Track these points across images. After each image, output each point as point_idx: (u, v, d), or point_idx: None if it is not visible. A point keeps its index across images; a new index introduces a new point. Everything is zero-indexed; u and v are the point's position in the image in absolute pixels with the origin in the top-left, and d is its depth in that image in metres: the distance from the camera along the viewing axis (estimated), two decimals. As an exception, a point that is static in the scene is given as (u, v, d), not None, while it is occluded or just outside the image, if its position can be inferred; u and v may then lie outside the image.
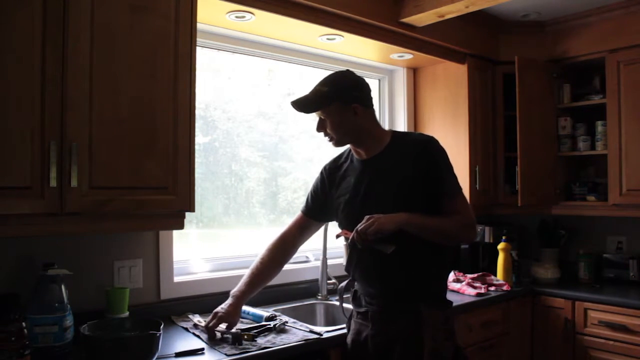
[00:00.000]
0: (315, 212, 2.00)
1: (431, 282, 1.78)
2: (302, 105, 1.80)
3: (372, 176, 1.79)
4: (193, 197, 1.81)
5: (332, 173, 1.95)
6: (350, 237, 1.68)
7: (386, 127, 3.19)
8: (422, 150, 1.74)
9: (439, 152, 1.76)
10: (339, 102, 1.75)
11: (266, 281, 2.01)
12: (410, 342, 1.70)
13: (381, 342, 1.75)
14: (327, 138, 1.83)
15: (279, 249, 2.03)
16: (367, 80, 3.17)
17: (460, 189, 1.78)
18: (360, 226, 1.64)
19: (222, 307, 1.87)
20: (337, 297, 1.96)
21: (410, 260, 1.72)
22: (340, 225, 1.88)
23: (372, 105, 1.84)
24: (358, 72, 3.09)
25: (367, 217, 1.65)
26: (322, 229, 2.58)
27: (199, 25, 1.90)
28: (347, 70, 1.89)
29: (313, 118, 1.86)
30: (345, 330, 1.94)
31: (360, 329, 1.83)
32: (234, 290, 1.93)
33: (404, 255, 1.69)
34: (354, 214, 1.76)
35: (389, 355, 1.73)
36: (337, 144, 1.84)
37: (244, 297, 1.93)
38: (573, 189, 3.12)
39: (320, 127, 1.82)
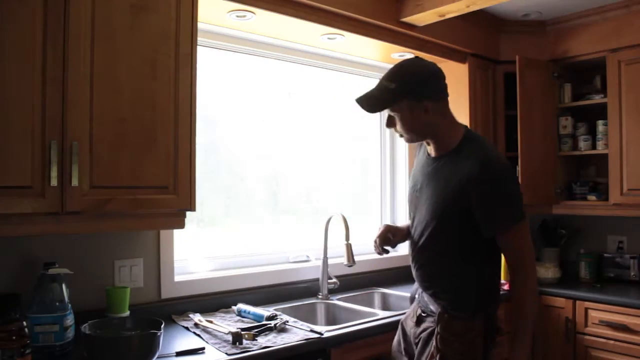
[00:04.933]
0: None
1: (459, 290, 1.67)
2: (367, 103, 1.69)
3: (429, 177, 1.73)
4: (194, 196, 1.81)
5: (418, 152, 1.90)
6: None
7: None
8: (474, 175, 1.58)
9: (491, 180, 1.58)
10: (407, 99, 1.62)
11: None
12: (426, 344, 1.69)
13: (414, 335, 1.78)
14: (399, 134, 1.74)
15: None
16: (368, 79, 3.21)
17: (514, 221, 1.60)
18: None
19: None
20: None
21: (442, 268, 1.69)
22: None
23: (444, 96, 1.68)
24: (359, 71, 3.13)
25: None
26: (323, 229, 2.58)
27: (199, 25, 1.90)
28: (416, 59, 1.72)
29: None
30: (345, 330, 1.96)
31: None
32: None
33: (437, 262, 1.69)
34: (411, 204, 1.83)
35: (415, 351, 1.76)
36: (409, 141, 1.76)
37: (404, 229, 1.90)
38: (574, 188, 3.12)
39: (390, 124, 1.72)
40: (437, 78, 1.67)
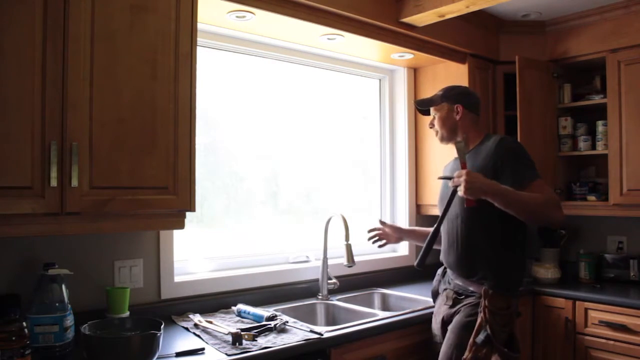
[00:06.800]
0: None
1: (498, 265, 1.97)
2: (419, 102, 2.30)
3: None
4: (194, 196, 1.81)
5: (445, 168, 2.34)
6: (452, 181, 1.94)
7: (386, 126, 3.23)
8: (493, 147, 2.02)
9: (507, 146, 2.02)
10: (447, 102, 2.17)
11: (421, 239, 2.46)
12: (469, 314, 1.97)
13: (448, 315, 2.07)
14: (435, 133, 2.24)
15: None
16: (367, 80, 3.23)
17: (535, 176, 1.96)
18: (459, 175, 1.89)
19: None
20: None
21: (480, 253, 1.99)
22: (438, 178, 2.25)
23: (475, 110, 2.18)
24: (358, 71, 3.14)
25: (467, 170, 1.89)
26: (322, 229, 2.58)
27: (199, 25, 1.90)
28: (464, 85, 2.34)
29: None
30: (344, 331, 1.96)
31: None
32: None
33: (474, 247, 2.00)
34: (443, 198, 2.13)
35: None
36: (441, 139, 2.21)
37: (404, 230, 2.59)
38: (574, 188, 3.12)
39: (431, 124, 2.24)
40: (474, 97, 2.22)
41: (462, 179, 1.85)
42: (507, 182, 1.92)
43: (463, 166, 1.95)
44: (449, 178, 1.97)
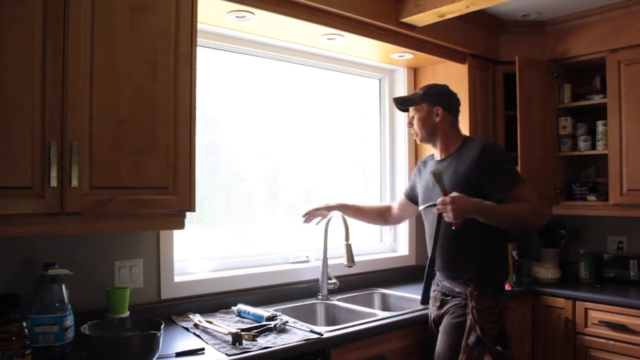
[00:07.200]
0: (409, 193, 2.42)
1: (482, 273, 2.00)
2: (398, 100, 2.27)
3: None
4: (193, 196, 1.81)
5: (421, 166, 2.33)
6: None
7: (386, 126, 3.23)
8: (476, 153, 2.01)
9: (490, 152, 2.02)
10: (427, 103, 2.14)
11: (361, 215, 2.57)
12: (456, 316, 1.99)
13: (438, 316, 2.10)
14: (413, 133, 2.23)
15: (383, 209, 2.61)
16: (367, 80, 3.23)
17: (519, 181, 2.00)
18: (443, 203, 1.89)
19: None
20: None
21: (468, 254, 2.03)
22: (420, 208, 2.26)
23: (455, 112, 2.18)
24: (358, 71, 3.14)
25: (450, 196, 1.87)
26: (322, 229, 2.58)
27: (199, 25, 1.90)
28: (445, 84, 2.25)
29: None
30: (344, 331, 1.96)
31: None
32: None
33: (463, 249, 2.03)
34: (428, 201, 2.16)
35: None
36: (420, 139, 2.21)
37: (344, 206, 2.51)
38: (573, 188, 3.12)
39: (410, 123, 2.22)
40: (454, 99, 2.20)
41: (448, 207, 1.85)
42: (491, 189, 1.97)
43: (444, 193, 1.92)
44: (433, 205, 1.96)
